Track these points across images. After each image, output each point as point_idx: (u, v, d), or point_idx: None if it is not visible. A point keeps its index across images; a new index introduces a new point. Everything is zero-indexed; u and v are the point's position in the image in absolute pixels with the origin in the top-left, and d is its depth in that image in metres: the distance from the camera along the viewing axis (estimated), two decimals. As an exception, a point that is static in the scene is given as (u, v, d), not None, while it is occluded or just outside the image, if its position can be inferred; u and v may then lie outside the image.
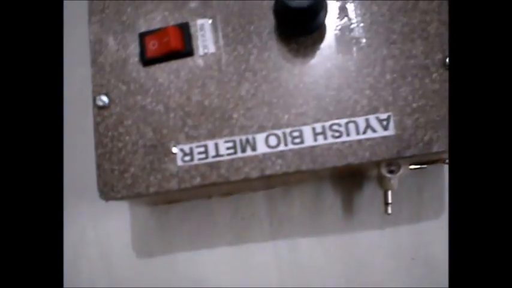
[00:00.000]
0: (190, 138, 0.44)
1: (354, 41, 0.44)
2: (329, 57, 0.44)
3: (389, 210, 0.50)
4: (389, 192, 0.50)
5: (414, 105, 0.42)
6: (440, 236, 0.52)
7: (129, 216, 0.56)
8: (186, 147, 0.44)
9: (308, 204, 0.54)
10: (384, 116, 0.42)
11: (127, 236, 0.56)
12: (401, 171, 0.49)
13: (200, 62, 0.45)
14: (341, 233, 0.53)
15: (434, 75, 0.42)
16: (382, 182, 0.49)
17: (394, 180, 0.49)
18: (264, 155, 0.43)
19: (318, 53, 0.44)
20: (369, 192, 0.53)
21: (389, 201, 0.50)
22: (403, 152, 0.42)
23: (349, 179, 0.53)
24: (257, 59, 0.45)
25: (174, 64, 0.46)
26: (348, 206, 0.53)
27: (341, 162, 0.42)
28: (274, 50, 0.45)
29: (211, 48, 0.46)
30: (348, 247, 0.53)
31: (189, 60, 0.46)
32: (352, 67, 0.43)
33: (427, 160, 0.50)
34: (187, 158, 0.44)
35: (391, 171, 0.49)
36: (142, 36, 0.47)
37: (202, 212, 0.55)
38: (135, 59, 0.47)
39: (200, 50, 0.46)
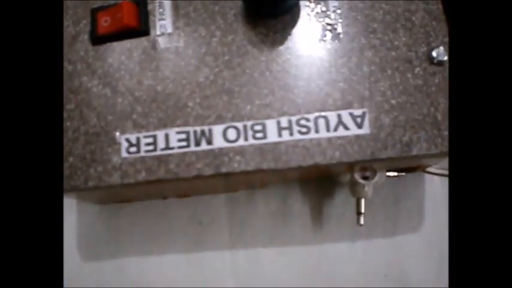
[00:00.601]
0: (138, 127, 0.38)
1: (330, 27, 0.39)
2: (300, 44, 0.39)
3: (362, 221, 0.44)
4: (363, 201, 0.44)
5: (393, 101, 0.37)
6: (417, 252, 0.46)
7: (76, 213, 0.50)
8: (133, 137, 0.38)
9: (273, 210, 0.48)
10: (358, 112, 0.37)
11: (72, 236, 0.49)
12: (377, 177, 0.43)
13: (156, 42, 0.40)
14: (308, 243, 0.47)
15: (417, 69, 0.37)
16: (354, 188, 0.44)
17: (368, 187, 0.44)
18: (221, 149, 0.37)
19: (289, 38, 0.39)
20: (341, 200, 0.48)
21: (362, 210, 0.44)
22: (378, 153, 0.36)
23: (319, 184, 0.48)
24: (220, 42, 0.39)
25: (127, 43, 0.40)
26: (317, 214, 0.48)
27: (307, 162, 0.37)
28: (239, 33, 0.39)
29: (169, 28, 0.40)
30: (315, 259, 0.47)
31: (143, 40, 0.40)
32: (326, 56, 0.38)
33: (406, 167, 0.44)
34: (133, 149, 0.38)
35: (365, 177, 0.44)
36: (95, 12, 0.41)
37: (156, 214, 0.49)
38: (85, 36, 0.41)
39: (157, 30, 0.40)
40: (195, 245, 0.48)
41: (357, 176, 0.43)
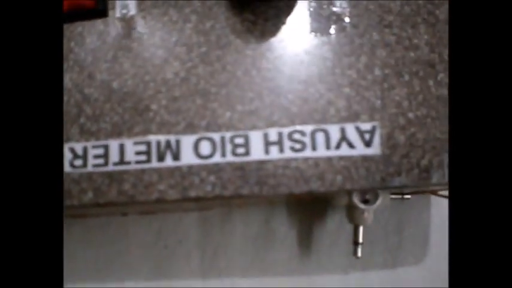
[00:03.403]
0: (85, 134, 0.29)
1: (335, 17, 0.30)
2: (297, 36, 0.29)
3: (359, 253, 0.36)
4: (361, 229, 0.36)
5: (410, 115, 0.28)
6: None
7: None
8: (79, 147, 0.29)
9: (253, 233, 0.40)
10: (367, 126, 0.28)
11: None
12: (379, 201, 0.35)
13: (115, 26, 0.30)
14: (294, 274, 0.40)
15: (441, 75, 0.29)
16: (352, 214, 0.36)
17: (368, 213, 0.36)
18: (190, 167, 0.28)
19: (282, 29, 0.30)
20: (334, 224, 0.40)
21: (360, 240, 0.36)
22: (390, 180, 0.28)
23: (309, 204, 0.40)
24: (195, 30, 0.30)
25: (79, 26, 0.31)
26: (306, 239, 0.40)
27: (300, 189, 0.28)
28: (220, 19, 0.30)
29: (133, 9, 0.30)
30: (301, 293, 0.38)
31: (100, 22, 0.31)
32: (329, 53, 0.29)
33: (416, 190, 0.36)
34: (78, 162, 0.28)
35: (365, 201, 0.35)
36: (42, -14, 0.31)
37: (114, 233, 0.40)
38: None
39: (117, 11, 0.31)
40: (159, 272, 0.39)
41: (356, 200, 0.34)
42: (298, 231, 0.39)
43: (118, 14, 0.31)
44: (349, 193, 0.33)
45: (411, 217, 0.39)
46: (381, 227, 0.39)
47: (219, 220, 0.39)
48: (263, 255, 0.39)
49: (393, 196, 0.37)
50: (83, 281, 0.39)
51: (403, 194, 0.38)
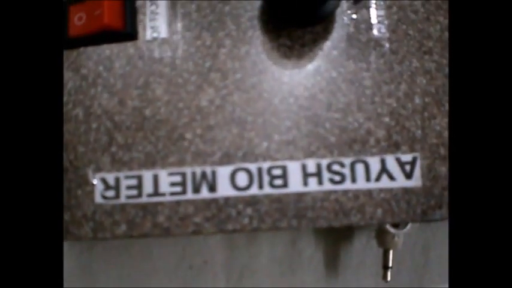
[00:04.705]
0: (118, 164, 0.27)
1: (373, 43, 0.28)
2: (335, 62, 0.28)
3: (389, 277, 0.35)
4: (391, 253, 0.35)
5: (452, 145, 0.27)
6: (446, 309, 0.37)
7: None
8: (111, 177, 0.27)
9: (280, 255, 0.38)
10: (407, 157, 0.27)
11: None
12: (410, 225, 0.34)
13: (145, 50, 0.29)
14: (320, 296, 0.38)
15: None
16: (382, 238, 0.35)
17: (399, 237, 0.35)
18: (227, 199, 0.27)
19: (320, 55, 0.28)
20: (361, 245, 0.39)
21: (390, 264, 0.35)
22: (431, 213, 0.27)
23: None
24: (230, 55, 0.28)
25: (107, 50, 0.29)
26: (332, 261, 0.38)
27: (340, 222, 0.27)
28: (255, 44, 0.29)
29: (164, 32, 0.29)
30: (327, 315, 0.38)
31: (129, 46, 0.29)
32: (368, 81, 0.28)
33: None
34: (110, 193, 0.27)
35: (396, 225, 0.34)
36: (67, 6, 0.30)
37: (137, 253, 0.38)
38: (52, 36, 0.30)
39: (147, 33, 0.29)
40: (184, 294, 0.38)
41: (387, 224, 0.34)
42: (324, 252, 0.38)
43: (148, 37, 0.29)
44: (379, 216, 0.32)
45: (438, 238, 0.38)
46: (407, 249, 0.38)
47: (244, 241, 0.38)
48: (289, 276, 0.38)
49: (422, 218, 0.36)
50: (105, 303, 0.38)
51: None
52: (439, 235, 0.38)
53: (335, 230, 0.38)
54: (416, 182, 0.27)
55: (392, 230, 0.34)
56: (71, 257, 0.38)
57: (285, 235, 0.38)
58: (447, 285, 0.38)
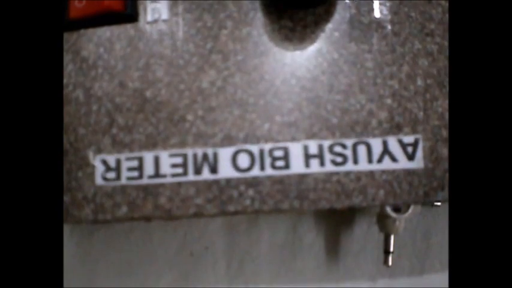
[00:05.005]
0: (118, 146, 0.27)
1: (375, 25, 0.28)
2: (337, 44, 0.28)
3: (390, 262, 0.35)
4: (392, 238, 0.35)
5: (454, 127, 0.27)
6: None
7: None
8: (111, 159, 0.27)
9: (280, 240, 0.38)
10: (409, 139, 0.27)
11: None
12: (411, 210, 0.34)
13: (146, 31, 0.29)
14: (321, 281, 0.38)
15: None
16: (383, 223, 0.35)
17: (400, 222, 0.35)
18: (229, 181, 0.27)
19: (322, 36, 0.28)
20: (361, 231, 0.39)
21: (391, 249, 0.35)
22: (433, 195, 0.27)
23: (337, 211, 0.38)
24: (231, 37, 0.28)
25: (107, 31, 0.29)
26: (333, 247, 0.38)
27: (342, 203, 0.27)
28: (257, 26, 0.28)
29: (165, 14, 0.29)
30: (328, 301, 0.38)
31: (129, 27, 0.29)
32: (370, 62, 0.28)
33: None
34: (111, 174, 0.27)
35: (397, 210, 0.34)
36: (67, -12, 0.30)
37: (138, 239, 0.38)
38: (52, 18, 0.29)
39: (148, 15, 0.29)
40: (184, 280, 0.38)
41: (388, 209, 0.34)
42: (325, 238, 0.38)
43: (149, 18, 0.29)
44: (380, 201, 0.32)
45: (439, 224, 0.38)
46: (408, 235, 0.38)
47: (245, 227, 0.38)
48: (290, 262, 0.38)
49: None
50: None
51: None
52: (440, 221, 0.38)
53: (336, 216, 0.38)
54: (418, 163, 0.27)
55: (393, 214, 0.34)
56: (72, 243, 0.38)
57: (286, 221, 0.38)
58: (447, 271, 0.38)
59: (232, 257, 0.38)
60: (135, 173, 0.27)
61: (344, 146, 0.27)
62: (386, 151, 0.27)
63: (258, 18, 0.28)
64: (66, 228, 0.39)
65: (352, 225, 0.38)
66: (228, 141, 0.27)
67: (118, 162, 0.27)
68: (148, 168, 0.27)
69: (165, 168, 0.27)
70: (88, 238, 0.38)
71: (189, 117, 0.27)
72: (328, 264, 0.38)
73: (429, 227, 0.38)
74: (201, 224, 0.38)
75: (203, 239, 0.38)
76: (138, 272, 0.38)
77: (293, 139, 0.27)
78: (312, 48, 0.28)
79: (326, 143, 0.27)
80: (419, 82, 0.28)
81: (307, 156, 0.27)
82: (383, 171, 0.27)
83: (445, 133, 0.27)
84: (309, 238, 0.38)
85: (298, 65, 0.28)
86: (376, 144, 0.27)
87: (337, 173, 0.27)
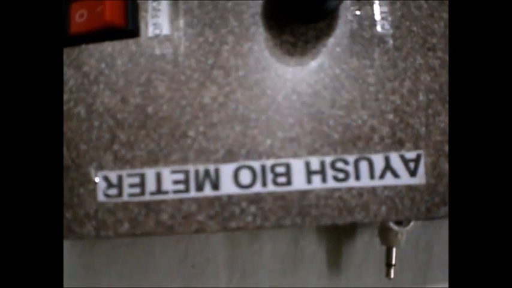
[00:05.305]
0: (120, 162, 0.27)
1: (377, 40, 0.28)
2: (338, 59, 0.28)
3: (392, 274, 0.35)
4: (394, 250, 0.35)
5: (456, 142, 0.27)
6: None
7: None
8: (113, 175, 0.27)
9: (282, 253, 0.38)
10: (411, 154, 0.27)
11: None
12: (413, 223, 0.34)
13: (148, 47, 0.29)
14: (323, 293, 0.38)
15: None
16: (385, 236, 0.35)
17: (402, 234, 0.34)
18: (231, 197, 0.27)
19: (324, 51, 0.28)
20: (363, 243, 0.39)
21: (393, 262, 0.35)
22: (436, 210, 0.27)
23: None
24: (233, 52, 0.28)
25: (109, 47, 0.29)
26: (335, 259, 0.38)
27: (344, 220, 0.26)
28: (259, 41, 0.28)
29: (166, 29, 0.29)
30: (330, 313, 0.37)
31: (131, 43, 0.29)
32: (371, 78, 0.28)
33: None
34: (113, 191, 0.27)
35: (399, 223, 0.34)
36: (68, 3, 0.29)
37: (139, 252, 0.38)
38: (53, 33, 0.29)
39: (149, 30, 0.29)
40: (187, 291, 0.38)
41: (390, 222, 0.33)
42: (327, 250, 0.38)
43: (150, 34, 0.29)
44: (382, 214, 0.32)
45: (441, 236, 0.38)
46: (410, 246, 0.38)
47: (247, 239, 0.38)
48: (292, 274, 0.37)
49: (425, 215, 0.36)
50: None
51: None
52: (442, 233, 0.38)
53: (338, 228, 0.38)
54: (420, 179, 0.27)
55: (395, 227, 0.34)
56: (73, 256, 0.38)
57: (288, 233, 0.38)
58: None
59: (234, 269, 0.38)
60: (137, 190, 0.27)
61: (346, 162, 0.27)
62: (388, 167, 0.27)
63: (260, 33, 0.28)
64: (67, 242, 0.39)
65: (354, 237, 0.38)
66: (229, 157, 0.27)
67: (120, 178, 0.27)
68: (150, 185, 0.27)
69: (167, 184, 0.27)
70: (89, 251, 0.38)
71: (191, 133, 0.27)
72: (330, 276, 0.38)
73: (431, 239, 0.38)
74: (203, 236, 0.38)
75: (205, 251, 0.38)
76: (139, 284, 0.38)
77: (295, 155, 0.27)
78: (313, 64, 0.28)
79: (328, 159, 0.27)
80: (421, 97, 0.28)
81: (309, 173, 0.27)
82: (385, 187, 0.27)
83: (447, 148, 0.27)
84: (310, 250, 0.38)
85: (299, 80, 0.28)
86: (378, 160, 0.27)
87: (339, 189, 0.27)
